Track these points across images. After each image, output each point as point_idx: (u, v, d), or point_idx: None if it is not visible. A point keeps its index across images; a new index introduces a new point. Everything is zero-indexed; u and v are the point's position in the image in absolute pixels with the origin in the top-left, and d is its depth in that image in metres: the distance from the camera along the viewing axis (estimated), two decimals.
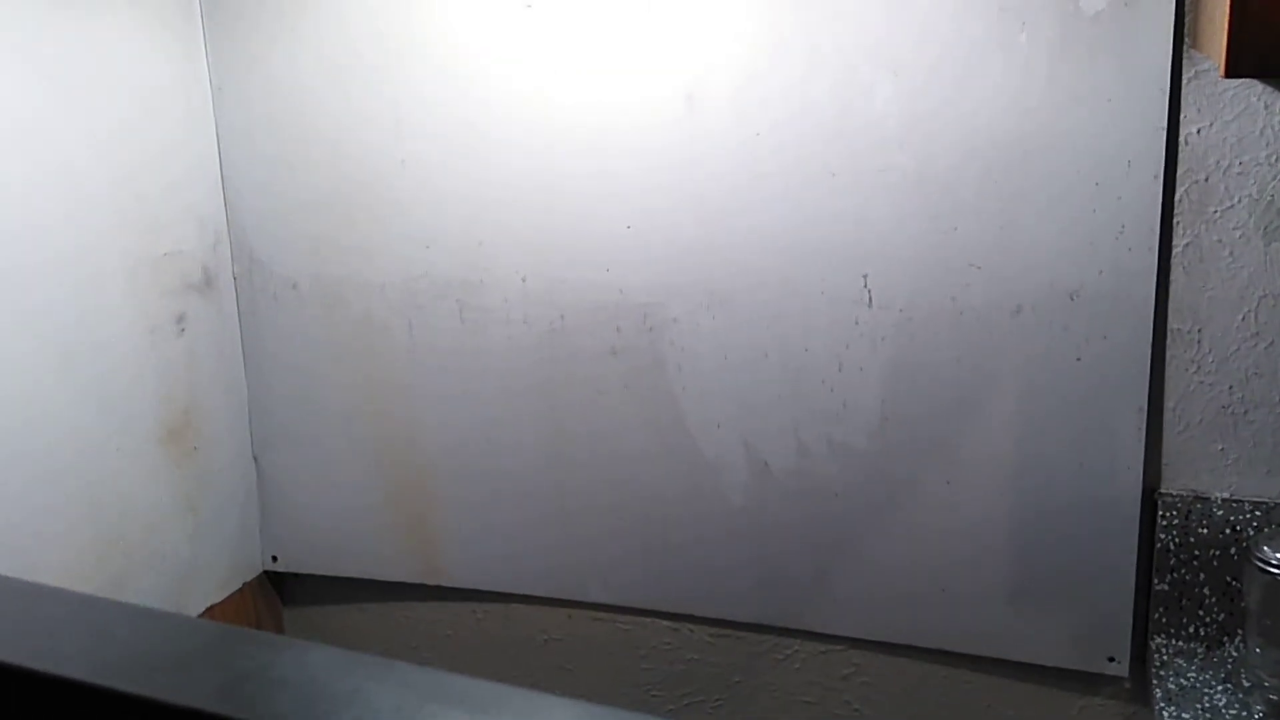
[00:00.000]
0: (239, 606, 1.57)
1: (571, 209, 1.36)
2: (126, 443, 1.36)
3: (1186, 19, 1.13)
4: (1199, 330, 1.20)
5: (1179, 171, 1.16)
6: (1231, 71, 0.85)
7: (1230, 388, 1.20)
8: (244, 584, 1.58)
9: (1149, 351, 1.20)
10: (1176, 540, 1.23)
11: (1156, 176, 1.16)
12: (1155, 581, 1.24)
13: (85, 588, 1.31)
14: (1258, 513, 1.20)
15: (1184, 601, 1.23)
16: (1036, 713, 1.35)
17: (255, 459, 1.58)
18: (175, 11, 1.41)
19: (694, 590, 1.44)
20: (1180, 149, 1.16)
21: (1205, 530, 1.22)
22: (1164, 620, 1.24)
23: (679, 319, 1.35)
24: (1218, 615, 1.23)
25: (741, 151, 1.28)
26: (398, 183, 1.42)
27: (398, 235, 1.43)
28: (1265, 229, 1.16)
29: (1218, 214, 1.17)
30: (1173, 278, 1.19)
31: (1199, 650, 1.23)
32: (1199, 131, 1.15)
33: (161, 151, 1.40)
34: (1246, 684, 1.16)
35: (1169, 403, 1.22)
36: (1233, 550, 1.21)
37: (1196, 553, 1.22)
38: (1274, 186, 1.15)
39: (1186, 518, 1.22)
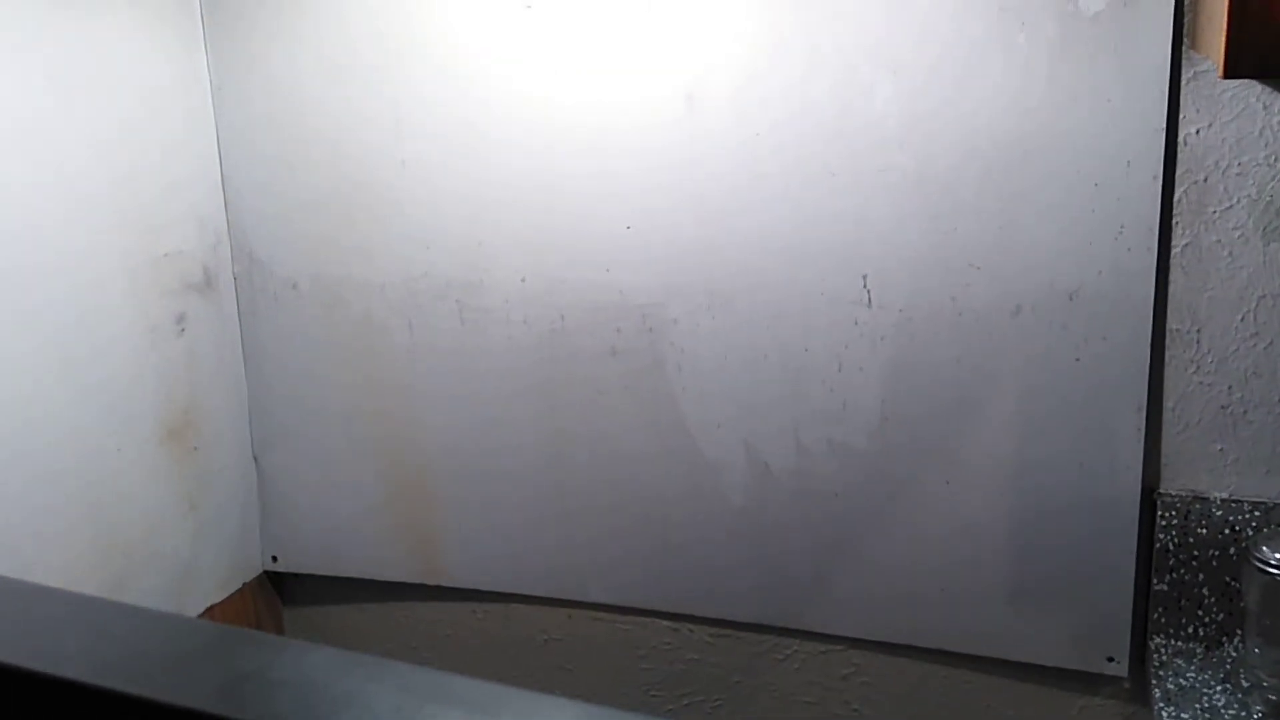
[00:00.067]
0: (239, 606, 1.58)
1: (571, 209, 1.36)
2: (127, 443, 1.37)
3: (1186, 19, 1.13)
4: (1198, 330, 1.20)
5: (1178, 172, 1.16)
6: (1230, 72, 0.85)
7: (1229, 388, 1.20)
8: (244, 584, 1.58)
9: (1148, 352, 1.20)
10: (1176, 540, 1.23)
11: (1156, 177, 1.16)
12: (1154, 581, 1.24)
13: (85, 587, 1.31)
14: (1257, 513, 1.20)
15: (1183, 602, 1.23)
16: (1036, 713, 1.35)
17: (255, 459, 1.58)
18: (175, 11, 1.41)
19: (694, 590, 1.44)
20: (1179, 149, 1.16)
21: (1204, 530, 1.22)
22: (1163, 620, 1.24)
23: (679, 319, 1.35)
24: (1217, 615, 1.23)
25: (741, 151, 1.28)
26: (398, 183, 1.42)
27: (398, 235, 1.44)
28: (1264, 229, 1.16)
29: (1217, 214, 1.17)
30: (1172, 278, 1.19)
31: (1198, 650, 1.23)
32: (1198, 132, 1.15)
33: (161, 151, 1.40)
34: (1245, 684, 1.16)
35: (1168, 403, 1.22)
36: (1232, 550, 1.21)
37: (1196, 553, 1.22)
38: (1273, 187, 1.15)
39: (1186, 518, 1.22)
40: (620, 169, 1.33)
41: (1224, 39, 0.83)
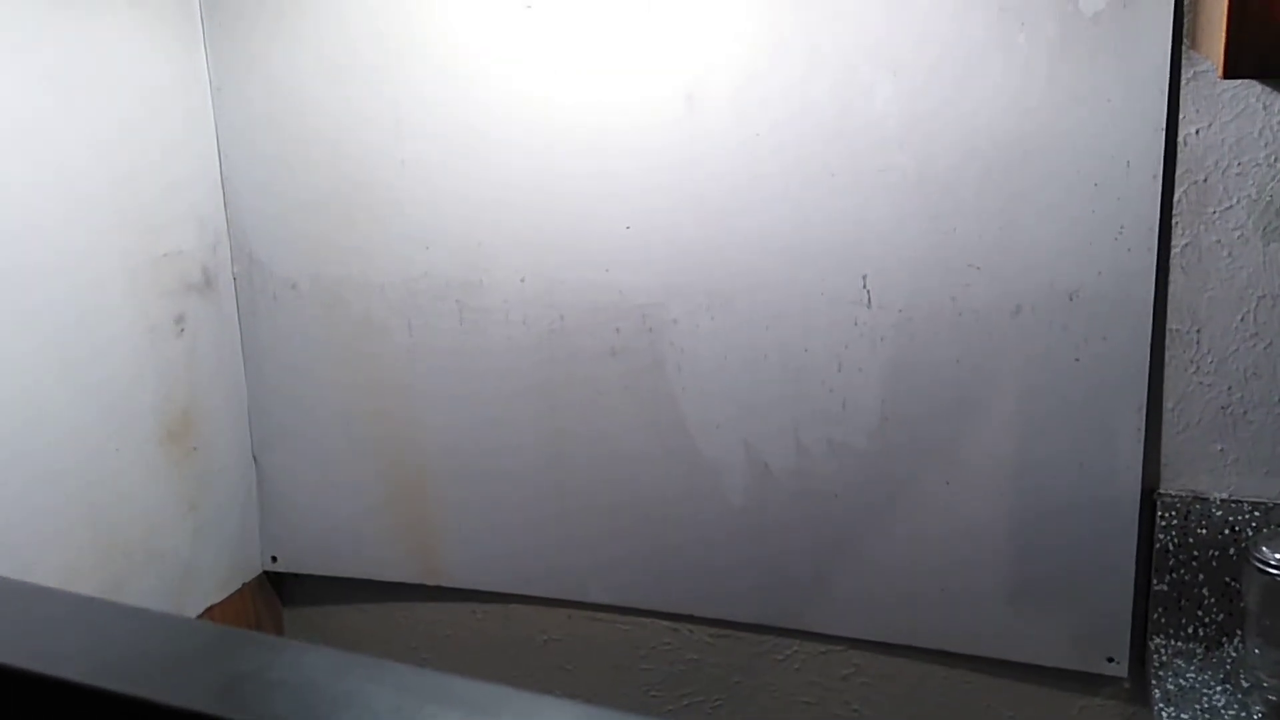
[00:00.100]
0: (239, 607, 1.57)
1: (571, 209, 1.36)
2: (126, 443, 1.36)
3: (1185, 19, 1.13)
4: (1198, 331, 1.20)
5: (1178, 172, 1.16)
6: (1230, 72, 0.85)
7: (1229, 388, 1.20)
8: (244, 584, 1.58)
9: (1148, 352, 1.20)
10: (1175, 541, 1.23)
11: (1155, 177, 1.16)
12: (1154, 582, 1.24)
13: (85, 588, 1.31)
14: (1257, 513, 1.20)
15: (1183, 602, 1.23)
16: (1036, 713, 1.35)
17: (255, 459, 1.58)
18: (175, 11, 1.41)
19: (694, 591, 1.44)
20: (1179, 149, 1.16)
21: (1204, 531, 1.22)
22: (1163, 621, 1.24)
23: (679, 319, 1.35)
24: (1217, 616, 1.23)
25: (741, 151, 1.28)
26: (397, 183, 1.42)
27: (397, 235, 1.43)
28: (1264, 229, 1.16)
29: (1216, 214, 1.17)
30: (1172, 278, 1.19)
31: (1198, 651, 1.23)
32: (1198, 132, 1.15)
33: (161, 152, 1.40)
34: (1245, 684, 1.16)
35: (1168, 403, 1.22)
36: (1232, 551, 1.21)
37: (1195, 553, 1.22)
38: (1273, 187, 1.15)
39: (1185, 518, 1.22)
40: (620, 169, 1.33)
41: (1224, 39, 0.83)
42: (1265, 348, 1.18)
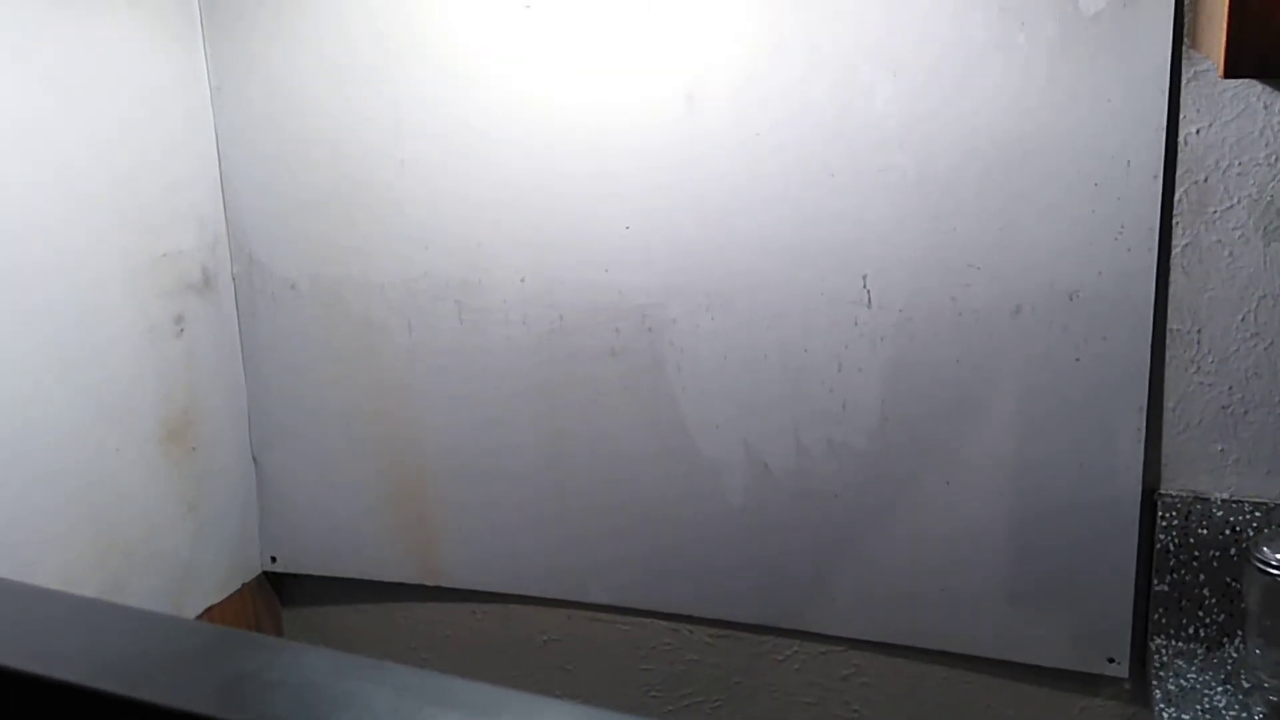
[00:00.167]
0: (238, 607, 1.57)
1: (571, 209, 1.36)
2: (126, 443, 1.36)
3: (1186, 19, 1.13)
4: (1198, 330, 1.20)
5: (1178, 172, 1.16)
6: (1231, 72, 0.84)
7: (1230, 388, 1.20)
8: (243, 585, 1.58)
9: (1148, 352, 1.20)
10: (1176, 541, 1.23)
11: (1156, 177, 1.16)
12: (1155, 582, 1.24)
13: (84, 588, 1.31)
14: (1257, 513, 1.20)
15: (1184, 602, 1.23)
16: (1036, 714, 1.35)
17: (255, 459, 1.58)
18: (175, 12, 1.41)
19: (694, 591, 1.44)
20: (1180, 149, 1.16)
21: (1205, 531, 1.22)
22: (1164, 621, 1.24)
23: (678, 319, 1.35)
24: (1217, 616, 1.23)
25: (741, 151, 1.28)
26: (397, 183, 1.42)
27: (397, 235, 1.43)
28: (1265, 229, 1.16)
29: (1217, 214, 1.16)
30: (1172, 278, 1.19)
31: (1199, 651, 1.23)
32: (1198, 132, 1.15)
33: (161, 152, 1.40)
34: (1246, 685, 1.16)
35: (1168, 403, 1.22)
36: (1232, 551, 1.21)
37: (1196, 553, 1.22)
38: (1273, 187, 1.15)
39: (1186, 518, 1.22)
40: (620, 169, 1.33)
41: (1224, 38, 0.83)
42: (1266, 348, 1.18)
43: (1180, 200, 1.17)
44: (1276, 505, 1.20)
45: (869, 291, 1.28)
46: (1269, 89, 1.12)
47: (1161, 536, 1.23)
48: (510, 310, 1.41)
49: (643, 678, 1.52)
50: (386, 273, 1.45)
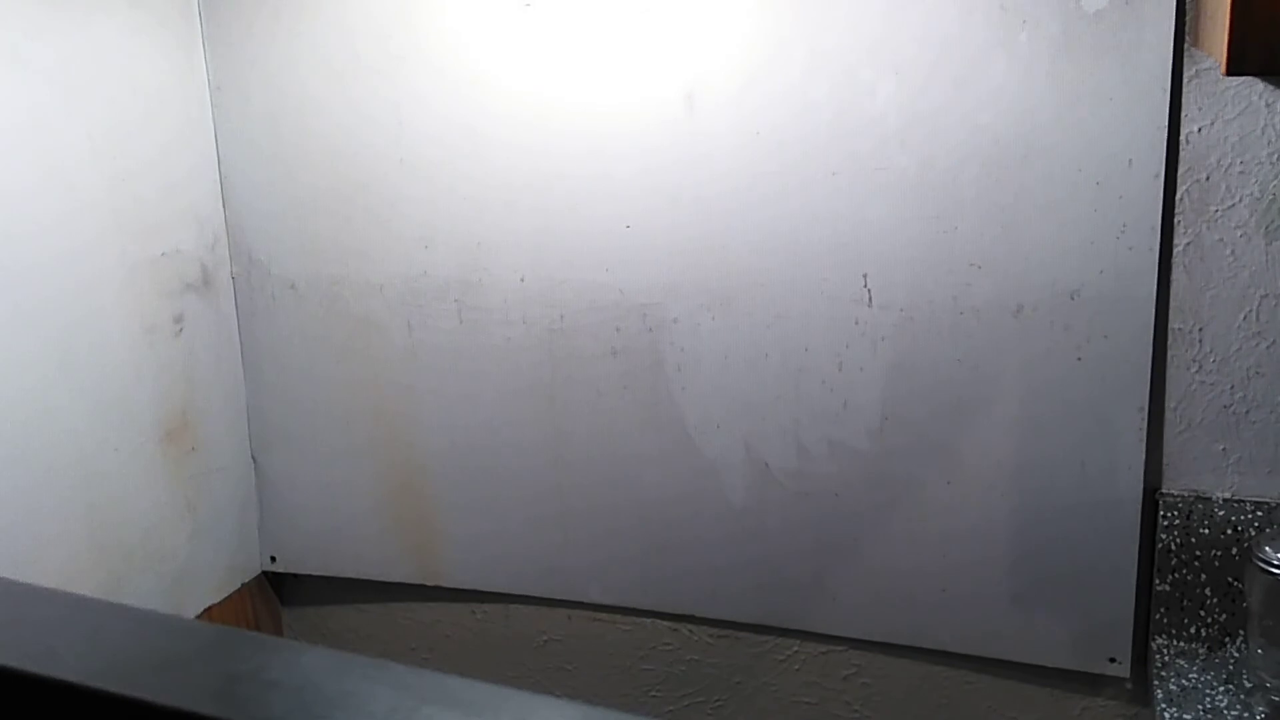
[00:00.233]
0: (237, 607, 1.57)
1: (571, 209, 1.36)
2: (125, 443, 1.36)
3: (1187, 17, 1.12)
4: (1200, 330, 1.19)
5: (1180, 170, 1.16)
6: (1233, 70, 0.84)
7: (1231, 387, 1.20)
8: (242, 584, 1.58)
9: (1150, 351, 1.20)
10: (1178, 540, 1.22)
11: (1157, 175, 1.16)
12: (1156, 582, 1.24)
13: (83, 588, 1.31)
14: (1259, 513, 1.20)
15: (1185, 602, 1.23)
16: (1037, 714, 1.35)
17: (254, 459, 1.57)
18: (174, 11, 1.41)
19: (694, 591, 1.44)
20: (1181, 148, 1.16)
21: (1206, 530, 1.21)
22: (1165, 621, 1.24)
23: (679, 319, 1.35)
24: (1219, 616, 1.22)
25: (741, 151, 1.28)
26: (397, 182, 1.41)
27: (397, 235, 1.43)
28: (1267, 228, 1.15)
29: (1219, 213, 1.16)
30: (1174, 277, 1.19)
31: (1200, 651, 1.23)
32: (1200, 130, 1.15)
33: (160, 152, 1.39)
34: (1248, 685, 1.15)
35: (1170, 402, 1.22)
36: (1234, 550, 1.21)
37: (1198, 553, 1.22)
38: (1275, 185, 1.14)
39: (1188, 518, 1.22)
40: (620, 169, 1.33)
41: (1226, 36, 0.83)
42: (1268, 347, 1.18)
43: (1182, 199, 1.17)
44: (1278, 505, 1.20)
45: (870, 291, 1.27)
46: (1271, 87, 1.12)
47: (1163, 536, 1.23)
48: (510, 310, 1.41)
49: (643, 678, 1.52)
50: (386, 273, 1.45)
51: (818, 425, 1.33)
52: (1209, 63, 1.13)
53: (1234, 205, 1.16)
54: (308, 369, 1.52)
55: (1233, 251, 1.17)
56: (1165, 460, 1.23)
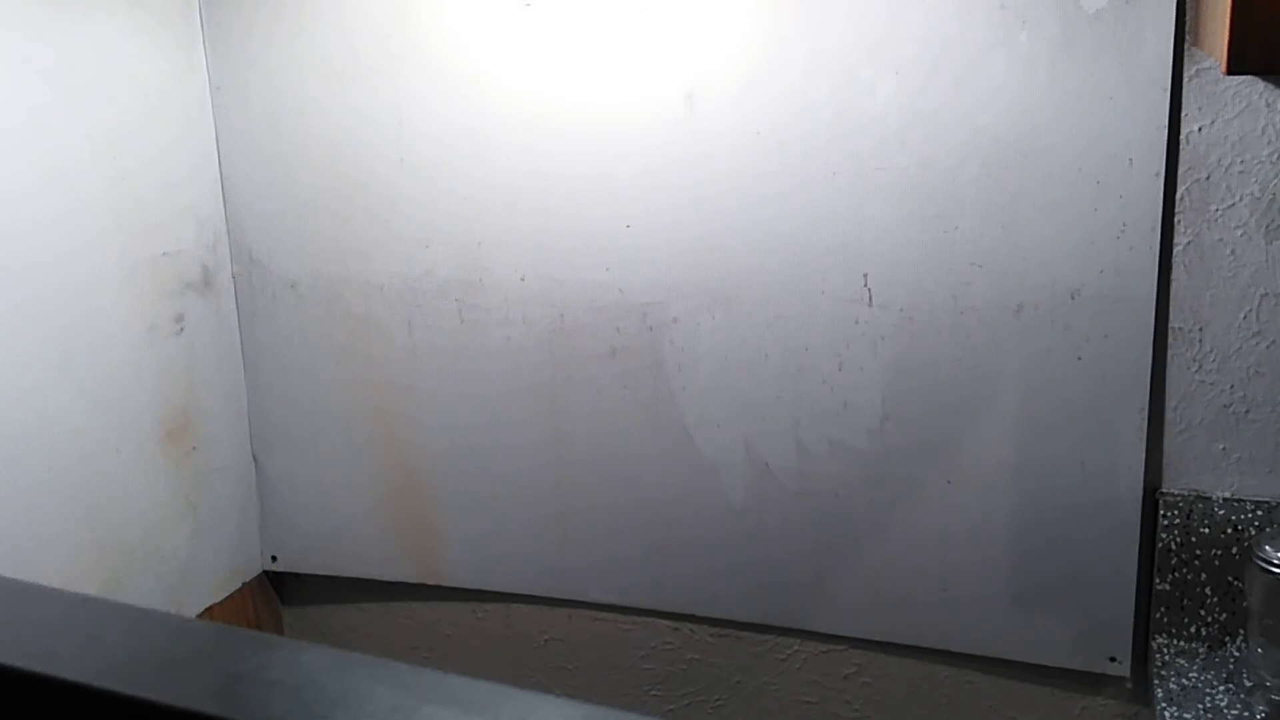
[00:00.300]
0: (238, 607, 1.57)
1: (571, 209, 1.36)
2: (125, 443, 1.36)
3: (1188, 16, 1.12)
4: (1200, 329, 1.19)
5: (1180, 170, 1.16)
6: (1233, 69, 0.84)
7: (1232, 387, 1.20)
8: (243, 584, 1.58)
9: (1150, 351, 1.20)
10: (1178, 540, 1.22)
11: (1158, 175, 1.16)
12: (1157, 581, 1.24)
13: (84, 588, 1.31)
14: (1259, 512, 1.20)
15: (1185, 601, 1.23)
16: (1038, 713, 1.35)
17: (254, 459, 1.57)
18: (174, 12, 1.41)
19: (695, 590, 1.44)
20: (1182, 147, 1.16)
21: (1207, 530, 1.21)
22: (1165, 620, 1.24)
23: (679, 319, 1.35)
24: (1219, 615, 1.22)
25: (742, 151, 1.28)
26: (398, 182, 1.41)
27: (397, 235, 1.43)
28: (1267, 227, 1.15)
29: (1219, 212, 1.16)
30: (1174, 276, 1.19)
31: (1200, 650, 1.23)
32: (1200, 130, 1.15)
33: (160, 151, 1.39)
34: (1248, 684, 1.15)
35: (1170, 402, 1.22)
36: (1234, 550, 1.21)
37: (1198, 552, 1.22)
38: (1276, 185, 1.14)
39: (1188, 517, 1.22)
40: (620, 168, 1.33)
41: (1227, 35, 0.83)
42: (1268, 346, 1.18)
43: (1182, 198, 1.17)
44: (1278, 504, 1.20)
45: (870, 290, 1.27)
46: (1271, 86, 1.12)
47: (1163, 535, 1.23)
48: (510, 310, 1.41)
49: (644, 677, 1.52)
50: (386, 272, 1.45)
51: (818, 425, 1.33)
52: (1209, 62, 1.13)
53: (1234, 205, 1.16)
54: (308, 369, 1.52)
55: (1233, 251, 1.17)
56: (1165, 460, 1.23)
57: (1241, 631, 1.22)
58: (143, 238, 1.37)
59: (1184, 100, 1.14)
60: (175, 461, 1.44)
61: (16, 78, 1.20)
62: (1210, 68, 1.13)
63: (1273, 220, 1.15)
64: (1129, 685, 1.30)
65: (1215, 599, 1.22)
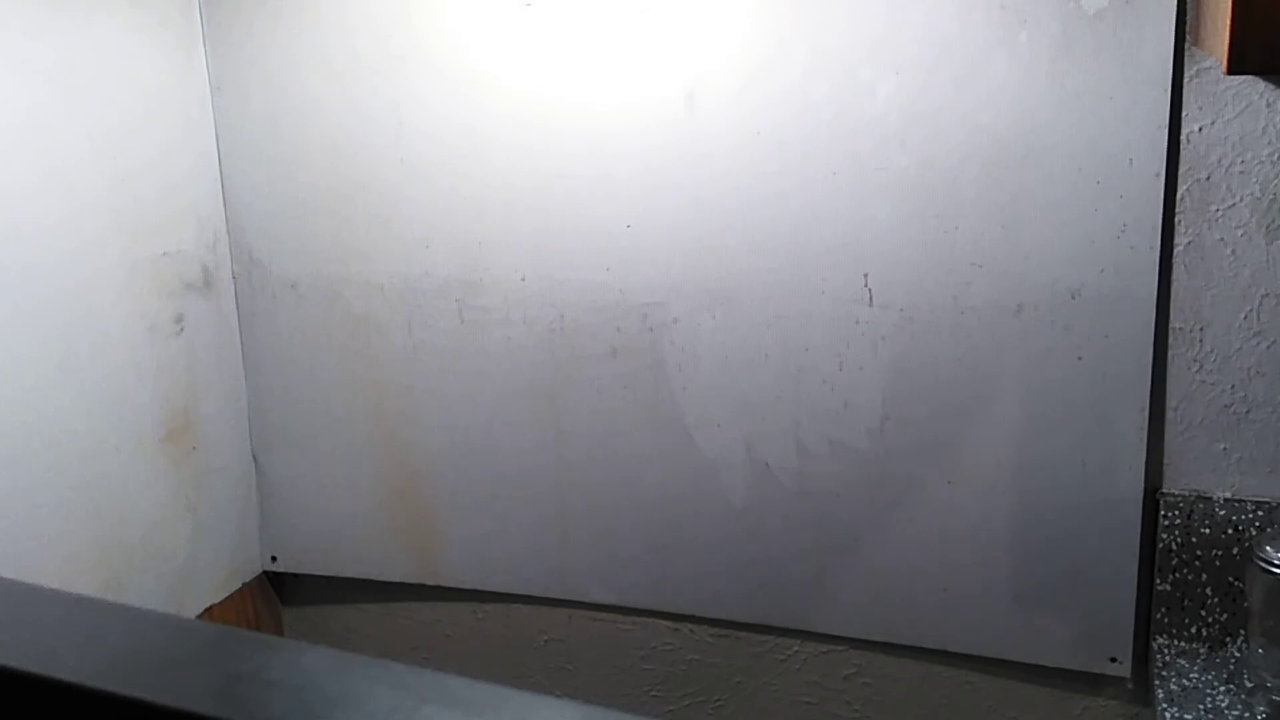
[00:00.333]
0: (238, 607, 1.57)
1: (571, 209, 1.36)
2: (125, 443, 1.36)
3: (1188, 16, 1.12)
4: (1201, 329, 1.19)
5: (1181, 170, 1.16)
6: (1234, 69, 0.84)
7: (1232, 387, 1.20)
8: (243, 584, 1.58)
9: (1151, 351, 1.20)
10: (1179, 540, 1.22)
11: (1158, 175, 1.15)
12: (1157, 582, 1.24)
13: (83, 588, 1.31)
14: (1260, 512, 1.20)
15: (1186, 602, 1.23)
16: (1038, 714, 1.35)
17: (254, 459, 1.57)
18: (174, 11, 1.41)
19: (695, 590, 1.44)
20: (1182, 147, 1.15)
21: (1207, 530, 1.21)
22: (1166, 621, 1.24)
23: (679, 319, 1.35)
24: (1220, 615, 1.22)
25: (742, 151, 1.28)
26: (398, 182, 1.41)
27: (397, 235, 1.43)
28: (1267, 227, 1.15)
29: (1220, 212, 1.16)
30: (1174, 276, 1.19)
31: (1201, 651, 1.23)
32: (1201, 129, 1.15)
33: (160, 151, 1.39)
34: (1249, 685, 1.15)
35: (1171, 402, 1.22)
36: (1235, 550, 1.21)
37: (1199, 553, 1.22)
38: (1276, 185, 1.14)
39: (1189, 517, 1.22)
40: (620, 168, 1.33)
41: (1227, 35, 0.83)
42: (1269, 346, 1.18)
43: (1183, 198, 1.17)
44: (1279, 504, 1.20)
45: (870, 290, 1.27)
46: (1272, 86, 1.12)
47: (1164, 536, 1.23)
48: (510, 310, 1.41)
49: (644, 677, 1.52)
50: (386, 272, 1.45)
51: (818, 425, 1.33)
52: (1209, 62, 1.13)
53: (1235, 205, 1.16)
54: (308, 369, 1.52)
55: (1233, 251, 1.17)
56: (1166, 460, 1.23)
57: (1242, 632, 1.22)
58: (143, 238, 1.37)
59: (1184, 100, 1.14)
60: (175, 461, 1.44)
61: (16, 78, 1.20)
62: (1211, 67, 1.13)
63: (1273, 220, 1.15)
64: (1129, 686, 1.30)
65: (1216, 599, 1.22)
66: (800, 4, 1.23)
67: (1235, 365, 1.19)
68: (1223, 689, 1.16)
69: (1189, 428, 1.22)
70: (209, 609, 1.52)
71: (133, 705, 0.36)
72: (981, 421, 1.27)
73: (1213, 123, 1.14)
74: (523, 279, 1.40)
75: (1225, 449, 1.21)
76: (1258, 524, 1.20)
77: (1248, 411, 1.20)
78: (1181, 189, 1.16)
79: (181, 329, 1.44)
